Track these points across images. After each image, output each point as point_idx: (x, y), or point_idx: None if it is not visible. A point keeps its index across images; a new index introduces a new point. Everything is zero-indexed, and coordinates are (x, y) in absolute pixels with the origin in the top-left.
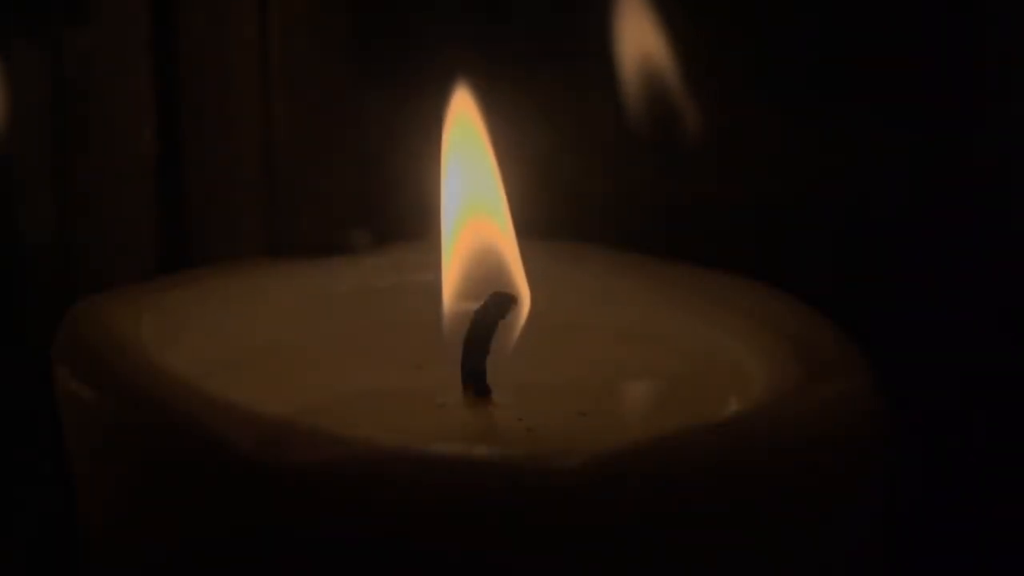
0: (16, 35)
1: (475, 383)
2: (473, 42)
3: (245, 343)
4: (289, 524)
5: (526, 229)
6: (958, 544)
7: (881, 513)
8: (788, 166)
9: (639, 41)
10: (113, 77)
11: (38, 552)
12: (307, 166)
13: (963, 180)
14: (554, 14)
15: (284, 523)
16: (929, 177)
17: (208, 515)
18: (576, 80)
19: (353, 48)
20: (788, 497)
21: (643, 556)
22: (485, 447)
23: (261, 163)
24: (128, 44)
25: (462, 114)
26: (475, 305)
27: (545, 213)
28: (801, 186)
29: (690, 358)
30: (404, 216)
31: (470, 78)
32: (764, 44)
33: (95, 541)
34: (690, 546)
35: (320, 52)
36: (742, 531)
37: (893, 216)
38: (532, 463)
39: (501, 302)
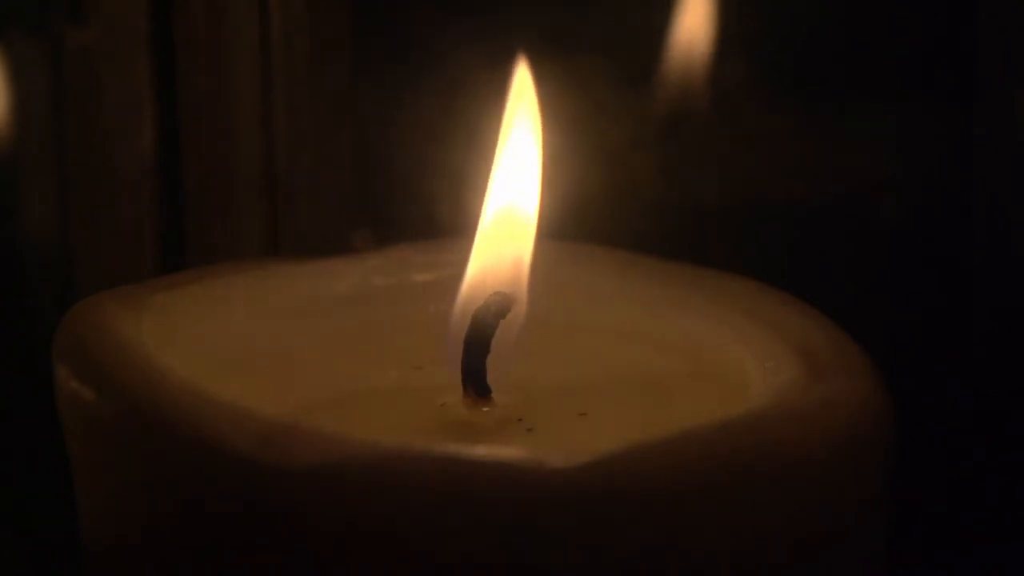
0: (16, 35)
1: (475, 383)
2: (473, 41)
3: (245, 343)
4: (289, 524)
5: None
6: (959, 544)
7: (881, 513)
8: (788, 166)
9: (675, 29)
10: (113, 76)
11: (38, 552)
12: (307, 166)
13: (963, 180)
14: (555, 12)
15: (284, 523)
16: (929, 177)
17: (208, 515)
18: (577, 79)
19: (353, 48)
20: (788, 497)
21: (643, 556)
22: (485, 447)
23: (261, 163)
24: (128, 43)
25: (522, 93)
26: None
27: (545, 213)
28: (801, 186)
29: (690, 358)
30: (404, 216)
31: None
32: (765, 45)
33: (95, 541)
34: (690, 546)
35: (320, 52)
36: (742, 531)
37: (893, 215)
38: (532, 463)
39: (501, 302)
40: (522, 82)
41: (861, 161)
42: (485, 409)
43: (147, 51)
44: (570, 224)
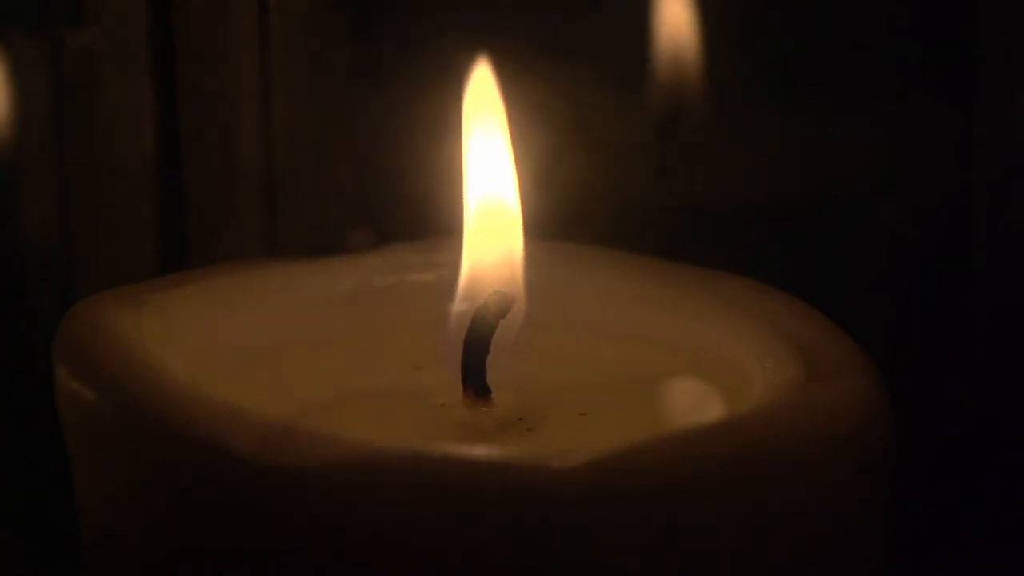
0: (16, 35)
1: (475, 383)
2: (473, 41)
3: (245, 343)
4: (289, 524)
5: (526, 229)
6: (959, 544)
7: (882, 513)
8: (788, 166)
9: (674, 28)
10: (113, 76)
11: (38, 552)
12: (307, 166)
13: (963, 180)
14: (554, 13)
15: (284, 523)
16: (929, 177)
17: (208, 516)
18: (576, 79)
19: (353, 48)
20: (788, 497)
21: (643, 556)
22: (485, 447)
23: (261, 163)
24: (128, 43)
25: (481, 93)
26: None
27: (545, 213)
28: (800, 186)
29: (690, 358)
30: (404, 216)
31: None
32: (762, 44)
33: (95, 541)
34: (690, 546)
35: (320, 52)
36: (742, 531)
37: (893, 215)
38: (532, 463)
39: (501, 302)
40: (481, 80)
41: (860, 161)
42: (485, 409)
43: (147, 51)
44: (568, 225)
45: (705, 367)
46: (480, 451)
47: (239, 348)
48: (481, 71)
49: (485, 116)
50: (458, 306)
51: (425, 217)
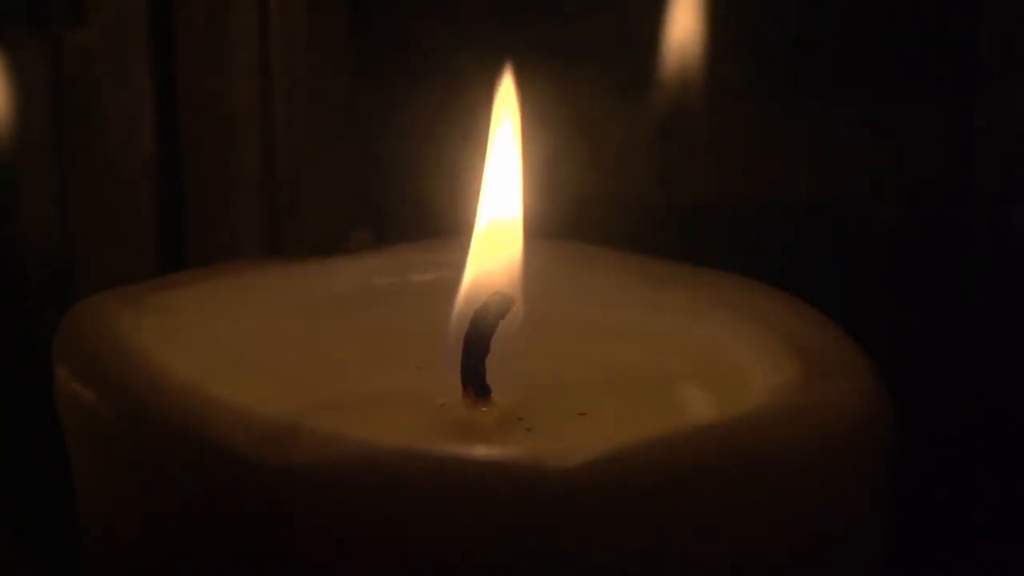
0: (16, 35)
1: (475, 383)
2: (473, 42)
3: (245, 343)
4: (289, 524)
5: (527, 229)
6: (959, 544)
7: (882, 513)
8: (788, 166)
9: (675, 30)
10: (113, 77)
11: (38, 552)
12: (307, 166)
13: (963, 179)
14: (554, 14)
15: (284, 523)
16: (929, 177)
17: (208, 515)
18: (577, 79)
19: (353, 49)
20: (788, 497)
21: (642, 556)
22: (485, 447)
23: (261, 163)
24: (128, 44)
25: (506, 102)
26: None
27: (545, 213)
28: (801, 186)
29: (690, 358)
30: (405, 216)
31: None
32: (763, 44)
33: (95, 541)
34: (690, 546)
35: (320, 52)
36: (742, 531)
37: (893, 215)
38: (532, 463)
39: (501, 302)
40: (507, 91)
41: (861, 161)
42: (485, 409)
43: (147, 51)
44: (569, 226)
45: (705, 367)
46: (480, 451)
47: (239, 348)
48: (507, 84)
49: (508, 127)
50: (459, 308)
51: (426, 217)
